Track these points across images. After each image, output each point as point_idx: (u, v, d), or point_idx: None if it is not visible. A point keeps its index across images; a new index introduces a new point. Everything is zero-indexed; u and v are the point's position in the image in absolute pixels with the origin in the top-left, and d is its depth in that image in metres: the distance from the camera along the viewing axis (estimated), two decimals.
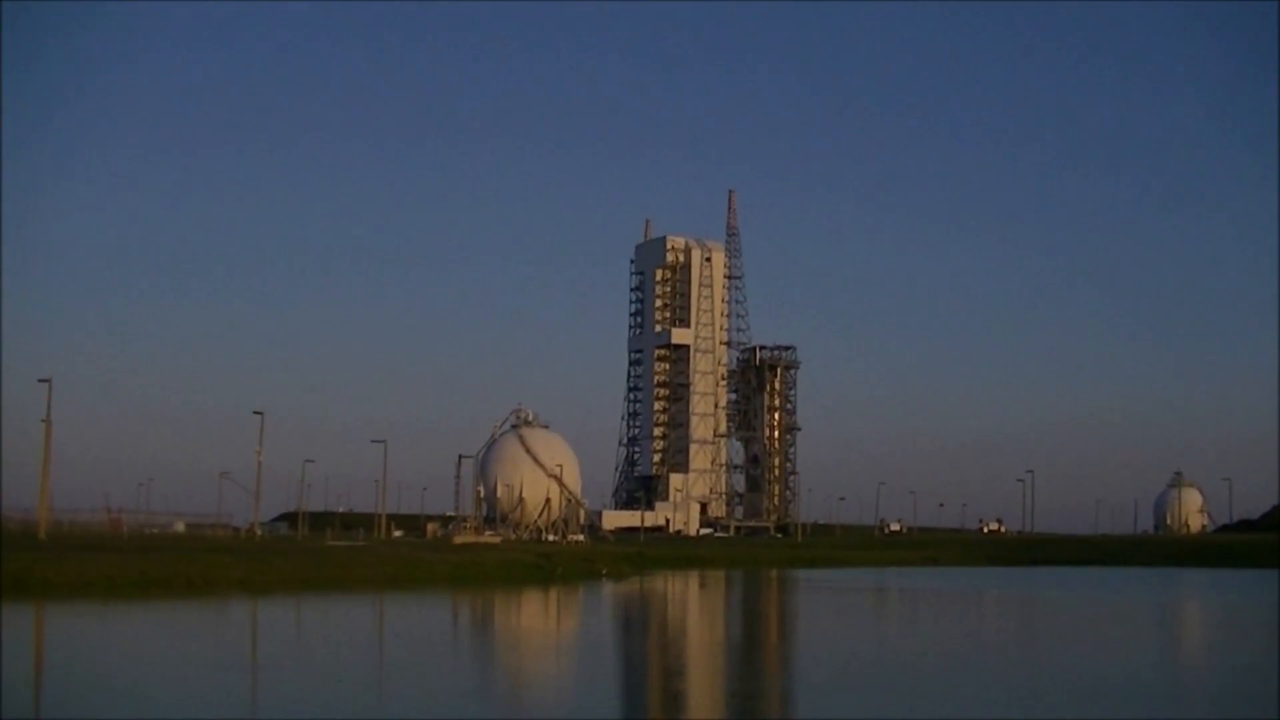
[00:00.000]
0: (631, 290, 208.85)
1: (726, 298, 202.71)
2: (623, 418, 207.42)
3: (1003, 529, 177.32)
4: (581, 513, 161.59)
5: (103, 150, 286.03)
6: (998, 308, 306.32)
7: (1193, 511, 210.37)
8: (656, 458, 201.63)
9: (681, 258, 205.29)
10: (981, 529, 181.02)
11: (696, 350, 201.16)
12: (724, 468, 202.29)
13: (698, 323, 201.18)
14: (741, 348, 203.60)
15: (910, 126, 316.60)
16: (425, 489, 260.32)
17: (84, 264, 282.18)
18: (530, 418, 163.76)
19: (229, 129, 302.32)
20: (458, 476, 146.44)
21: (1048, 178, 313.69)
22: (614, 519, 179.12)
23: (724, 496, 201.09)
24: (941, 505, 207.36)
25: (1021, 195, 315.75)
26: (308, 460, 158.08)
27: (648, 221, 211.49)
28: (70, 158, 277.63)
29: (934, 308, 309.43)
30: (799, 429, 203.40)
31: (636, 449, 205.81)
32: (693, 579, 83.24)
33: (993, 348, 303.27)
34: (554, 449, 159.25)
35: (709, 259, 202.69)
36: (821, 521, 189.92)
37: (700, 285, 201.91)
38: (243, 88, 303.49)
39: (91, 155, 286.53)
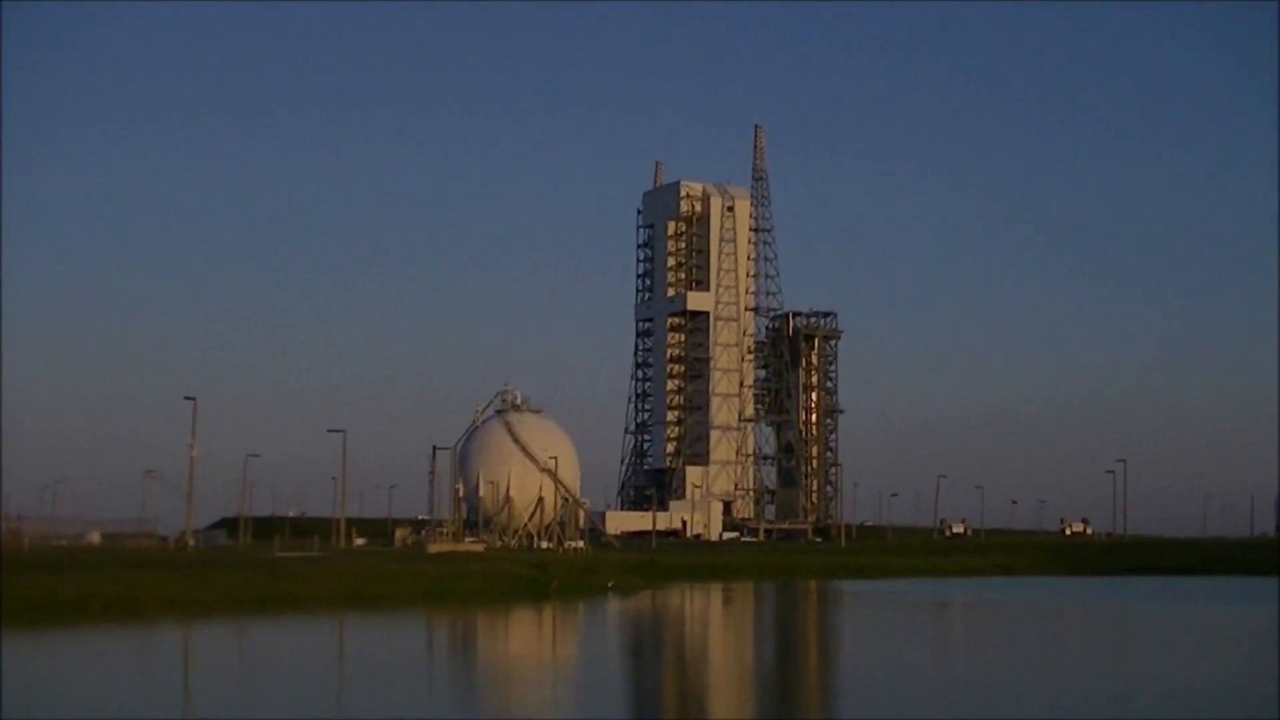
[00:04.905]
0: (639, 247, 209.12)
1: (753, 255, 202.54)
2: (629, 400, 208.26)
3: (1089, 530, 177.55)
4: (581, 514, 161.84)
5: (27, 134, 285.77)
6: (1070, 257, 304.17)
7: None
8: (670, 448, 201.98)
9: (699, 207, 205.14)
10: (1063, 530, 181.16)
11: (717, 318, 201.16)
12: (751, 459, 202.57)
13: (719, 285, 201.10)
14: (771, 314, 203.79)
15: (961, 58, 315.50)
16: (393, 487, 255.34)
17: None
18: (519, 401, 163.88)
19: (171, 101, 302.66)
20: (432, 472, 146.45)
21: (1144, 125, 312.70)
22: (620, 521, 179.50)
23: (751, 494, 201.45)
24: (1015, 502, 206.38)
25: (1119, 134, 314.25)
26: (251, 454, 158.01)
27: (658, 165, 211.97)
28: None
29: (998, 264, 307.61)
30: (841, 411, 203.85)
31: (646, 437, 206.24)
32: (715, 593, 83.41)
33: (1068, 311, 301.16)
34: (547, 438, 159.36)
35: (731, 208, 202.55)
36: (869, 523, 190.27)
37: (721, 240, 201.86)
38: (190, 53, 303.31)
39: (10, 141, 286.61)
